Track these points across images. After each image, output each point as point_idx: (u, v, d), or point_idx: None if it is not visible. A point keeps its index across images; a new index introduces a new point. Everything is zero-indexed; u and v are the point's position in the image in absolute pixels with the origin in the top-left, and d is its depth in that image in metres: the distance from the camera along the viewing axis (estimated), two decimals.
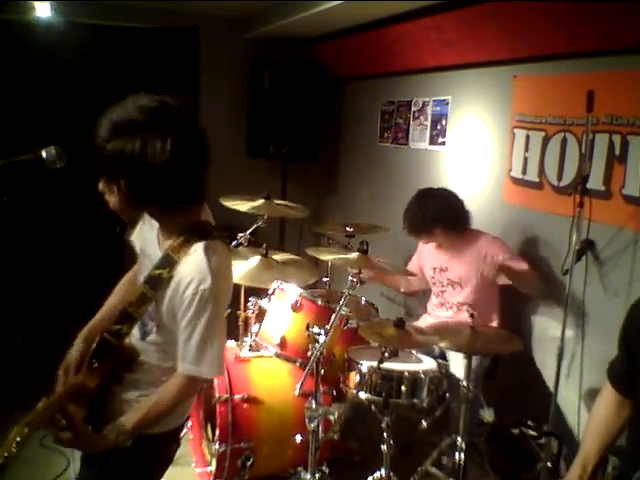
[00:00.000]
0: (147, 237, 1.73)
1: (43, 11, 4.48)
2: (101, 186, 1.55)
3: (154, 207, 1.58)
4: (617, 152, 2.80)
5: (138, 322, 1.64)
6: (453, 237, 3.27)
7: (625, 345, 1.49)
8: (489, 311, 3.26)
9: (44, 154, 1.64)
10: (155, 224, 1.70)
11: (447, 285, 3.36)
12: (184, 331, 1.57)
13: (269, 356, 2.93)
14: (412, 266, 3.60)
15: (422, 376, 2.68)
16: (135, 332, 1.67)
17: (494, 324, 3.27)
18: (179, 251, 1.57)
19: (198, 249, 1.57)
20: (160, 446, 1.74)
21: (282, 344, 2.85)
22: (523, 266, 3.13)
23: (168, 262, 1.58)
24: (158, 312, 1.61)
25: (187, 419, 1.84)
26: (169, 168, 1.46)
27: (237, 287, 3.45)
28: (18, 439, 1.42)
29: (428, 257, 3.47)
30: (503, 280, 3.17)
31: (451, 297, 3.35)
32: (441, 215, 3.21)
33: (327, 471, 2.70)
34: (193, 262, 1.55)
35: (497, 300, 3.32)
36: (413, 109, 4.41)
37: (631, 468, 1.24)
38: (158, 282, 1.58)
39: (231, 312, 3.43)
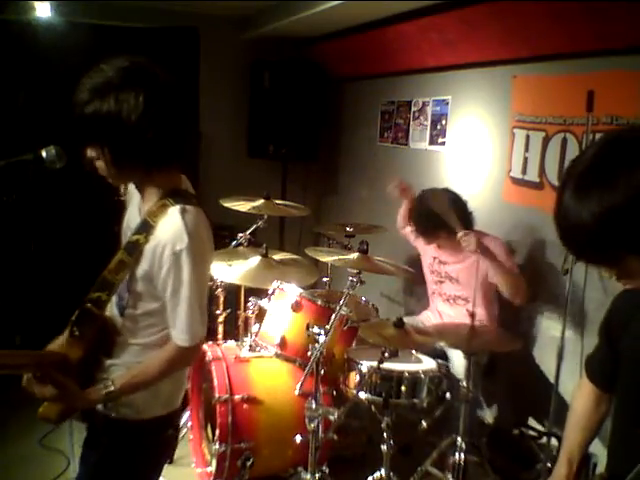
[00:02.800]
0: (130, 213, 1.75)
1: (43, 11, 4.48)
2: (89, 152, 1.57)
3: (137, 167, 1.59)
4: None
5: (116, 291, 1.64)
6: (455, 239, 3.27)
7: (606, 337, 1.47)
8: (488, 310, 3.26)
9: (44, 154, 1.63)
10: (137, 200, 1.71)
11: (445, 277, 3.39)
12: (171, 299, 1.58)
13: (269, 356, 2.92)
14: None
15: (422, 376, 2.68)
16: (114, 309, 1.68)
17: (493, 323, 3.27)
18: (156, 215, 1.59)
19: (174, 212, 1.57)
20: (154, 432, 1.73)
21: (282, 344, 2.85)
22: (512, 267, 3.14)
23: (145, 227, 1.59)
24: (134, 279, 1.62)
25: (184, 407, 1.84)
26: (144, 121, 1.48)
27: (237, 287, 3.45)
28: None
29: (428, 247, 3.46)
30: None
31: (449, 290, 3.39)
32: (443, 220, 3.18)
33: (327, 471, 2.70)
34: (169, 224, 1.56)
35: (495, 300, 3.32)
36: (413, 109, 4.41)
37: (620, 466, 1.23)
38: (135, 247, 1.59)
39: (231, 312, 3.44)
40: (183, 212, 1.57)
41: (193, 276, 1.55)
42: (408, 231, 3.61)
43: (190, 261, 1.54)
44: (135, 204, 1.73)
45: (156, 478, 1.83)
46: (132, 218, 1.72)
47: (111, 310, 1.70)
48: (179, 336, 1.60)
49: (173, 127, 1.57)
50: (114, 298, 1.68)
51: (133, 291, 1.64)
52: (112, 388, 1.57)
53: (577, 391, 1.60)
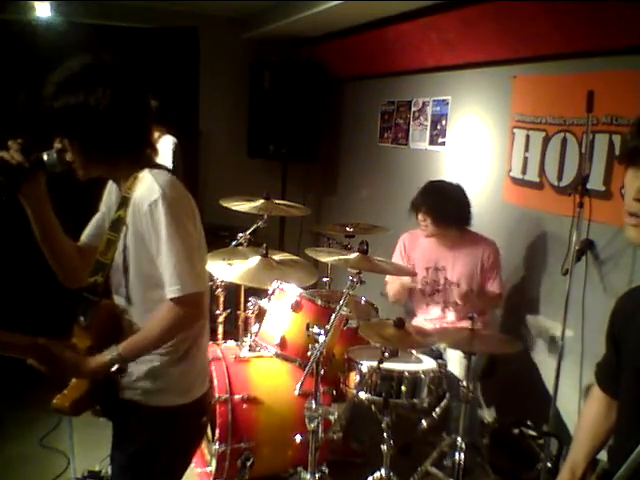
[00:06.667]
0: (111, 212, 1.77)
1: (43, 11, 4.48)
2: (57, 144, 1.63)
3: (104, 157, 1.64)
4: (617, 152, 2.80)
5: (109, 271, 1.67)
6: (459, 234, 3.26)
7: (612, 341, 1.47)
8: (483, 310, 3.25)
9: (45, 157, 1.62)
10: (113, 197, 1.75)
11: (443, 284, 3.32)
12: (157, 257, 1.60)
13: (269, 356, 2.92)
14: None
15: (422, 376, 2.68)
16: (121, 302, 1.71)
17: (488, 322, 3.27)
18: (130, 188, 1.64)
19: (143, 175, 1.64)
20: (189, 417, 1.76)
21: (282, 344, 2.85)
22: (491, 289, 3.23)
23: (124, 202, 1.65)
24: (126, 254, 1.65)
25: (210, 388, 1.88)
26: (111, 111, 1.56)
27: (237, 287, 3.45)
28: None
29: (421, 256, 3.38)
30: None
31: (447, 297, 3.31)
32: (461, 212, 3.22)
33: (327, 471, 2.70)
34: (141, 186, 1.62)
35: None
36: (413, 109, 4.41)
37: (616, 467, 1.23)
38: (118, 223, 1.65)
39: (231, 312, 3.44)
40: (152, 172, 1.63)
41: (173, 225, 1.57)
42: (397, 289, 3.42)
43: (166, 210, 1.56)
44: (113, 202, 1.77)
45: (187, 467, 1.87)
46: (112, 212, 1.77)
47: (118, 300, 1.72)
48: (169, 288, 1.59)
49: (136, 117, 1.64)
50: (118, 289, 1.70)
51: (128, 270, 1.66)
52: (115, 353, 1.59)
53: (588, 399, 1.60)
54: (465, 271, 3.25)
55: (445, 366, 2.86)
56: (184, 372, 1.72)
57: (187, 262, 1.59)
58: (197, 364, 1.77)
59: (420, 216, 3.27)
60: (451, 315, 3.32)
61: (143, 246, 1.62)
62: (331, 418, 2.51)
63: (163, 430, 1.71)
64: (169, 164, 4.18)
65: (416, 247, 3.42)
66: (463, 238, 3.28)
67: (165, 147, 4.25)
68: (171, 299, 1.59)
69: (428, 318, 3.38)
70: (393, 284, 3.41)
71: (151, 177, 1.61)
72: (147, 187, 1.60)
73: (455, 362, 3.03)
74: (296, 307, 2.87)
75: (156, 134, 4.12)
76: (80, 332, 1.66)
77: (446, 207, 3.20)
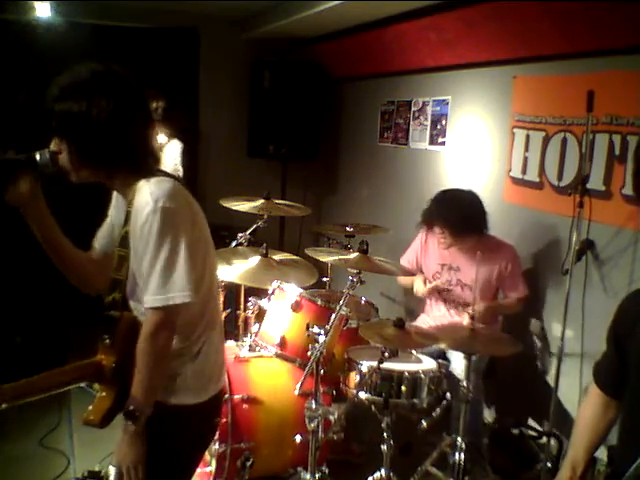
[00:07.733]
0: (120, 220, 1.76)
1: (43, 11, 4.48)
2: (53, 145, 1.62)
3: (99, 166, 1.63)
4: (617, 152, 2.80)
5: (126, 286, 1.68)
6: (477, 239, 3.22)
7: (614, 343, 1.48)
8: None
9: (37, 157, 1.62)
10: (120, 202, 1.75)
11: (456, 285, 3.31)
12: (147, 264, 1.55)
13: (269, 356, 2.92)
14: (407, 259, 3.52)
15: (422, 376, 2.67)
16: (138, 307, 1.70)
17: (496, 325, 3.27)
18: (132, 202, 1.63)
19: (139, 187, 1.61)
20: (201, 416, 1.76)
21: (282, 344, 2.85)
22: (515, 295, 3.22)
23: (127, 217, 1.65)
24: (133, 263, 1.65)
25: (223, 390, 1.86)
26: (111, 125, 1.55)
27: (237, 287, 3.45)
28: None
29: (437, 252, 3.37)
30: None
31: (458, 297, 3.31)
32: (478, 220, 3.18)
33: (327, 471, 2.70)
34: (137, 200, 1.60)
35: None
36: (413, 109, 4.41)
37: (623, 467, 1.24)
38: (126, 239, 1.65)
39: (231, 312, 3.44)
40: (147, 183, 1.60)
41: (161, 237, 1.54)
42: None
43: (158, 221, 1.53)
44: (120, 207, 1.76)
45: (197, 466, 1.87)
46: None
47: (140, 296, 1.69)
48: (151, 297, 1.55)
49: (136, 131, 1.62)
50: (135, 287, 1.69)
51: (135, 278, 1.67)
52: (131, 407, 1.57)
53: (586, 397, 1.61)
54: (481, 276, 3.18)
55: (446, 366, 2.86)
56: (197, 372, 1.72)
57: (170, 273, 1.55)
58: (210, 363, 1.76)
59: (437, 229, 3.24)
60: (455, 316, 3.31)
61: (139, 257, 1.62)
62: (331, 418, 2.51)
63: (175, 428, 1.71)
64: (179, 168, 4.18)
65: (434, 242, 3.39)
66: (481, 243, 3.21)
67: (173, 151, 4.25)
68: (159, 307, 1.56)
69: (432, 315, 3.38)
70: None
71: (147, 187, 1.58)
72: (142, 198, 1.57)
73: (458, 361, 3.02)
74: (296, 307, 2.87)
75: (164, 138, 4.14)
76: (105, 350, 1.67)
77: (462, 218, 3.15)
